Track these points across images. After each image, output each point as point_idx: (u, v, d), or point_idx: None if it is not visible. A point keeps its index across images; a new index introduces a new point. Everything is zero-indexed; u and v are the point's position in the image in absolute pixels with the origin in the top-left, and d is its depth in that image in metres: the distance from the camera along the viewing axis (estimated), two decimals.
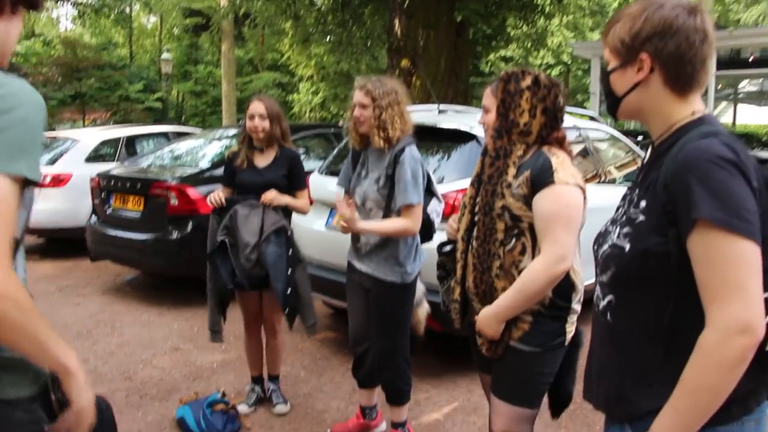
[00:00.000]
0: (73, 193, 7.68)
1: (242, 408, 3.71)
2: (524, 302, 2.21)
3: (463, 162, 4.32)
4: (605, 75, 1.53)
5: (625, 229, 1.44)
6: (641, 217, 1.41)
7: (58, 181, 7.70)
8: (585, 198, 2.25)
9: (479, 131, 4.29)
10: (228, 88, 21.13)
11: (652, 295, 1.40)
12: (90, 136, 8.56)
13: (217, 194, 3.52)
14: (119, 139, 8.66)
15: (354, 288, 3.29)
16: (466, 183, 4.09)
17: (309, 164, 6.69)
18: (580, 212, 2.22)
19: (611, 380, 1.52)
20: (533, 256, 2.24)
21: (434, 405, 3.87)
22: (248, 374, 3.94)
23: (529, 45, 17.55)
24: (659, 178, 1.38)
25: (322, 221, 4.71)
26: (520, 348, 2.29)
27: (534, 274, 2.18)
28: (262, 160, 3.61)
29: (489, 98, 2.43)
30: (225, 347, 4.82)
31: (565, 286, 2.25)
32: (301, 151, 7.25)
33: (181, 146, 7.26)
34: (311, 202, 4.83)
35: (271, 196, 3.48)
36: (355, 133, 3.14)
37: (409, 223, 2.98)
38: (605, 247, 1.50)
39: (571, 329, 2.33)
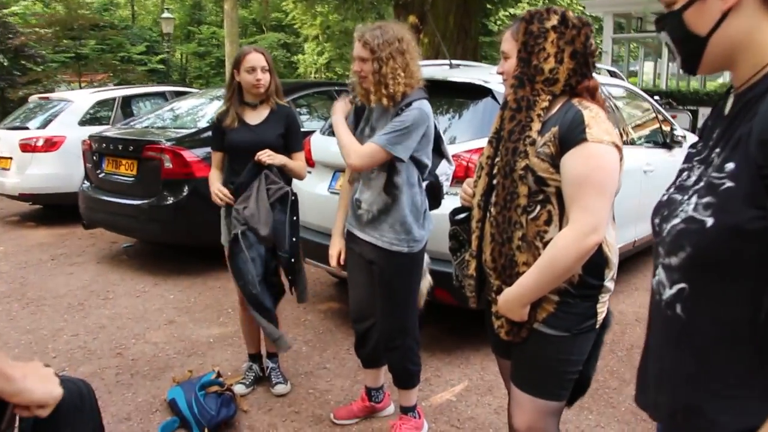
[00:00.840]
0: (66, 156, 7.35)
1: (239, 388, 3.43)
2: (551, 281, 1.88)
3: (477, 120, 3.96)
4: (674, 19, 1.17)
5: (706, 199, 1.09)
6: (728, 183, 1.06)
7: (50, 144, 7.37)
8: (622, 159, 1.90)
9: (495, 86, 3.92)
10: (231, 49, 20.51)
11: (742, 284, 1.06)
12: (84, 97, 8.18)
13: (220, 191, 3.22)
14: (114, 99, 8.27)
15: (355, 259, 2.95)
16: (480, 143, 3.77)
17: (312, 124, 6.38)
18: (615, 175, 1.87)
19: (680, 389, 1.19)
20: (560, 227, 1.90)
21: (445, 384, 3.58)
22: (246, 350, 3.65)
23: (539, 3, 16.98)
24: (752, 133, 1.04)
25: (324, 185, 4.37)
26: (544, 331, 1.97)
27: (562, 249, 1.84)
28: (255, 117, 3.27)
29: (509, 42, 2.05)
30: (223, 320, 4.54)
31: (597, 261, 1.91)
32: (303, 110, 6.89)
33: (179, 106, 6.90)
34: (312, 165, 4.50)
35: (267, 154, 3.15)
36: (360, 87, 2.77)
37: (354, 149, 2.66)
38: (675, 221, 1.15)
39: (602, 310, 2.00)
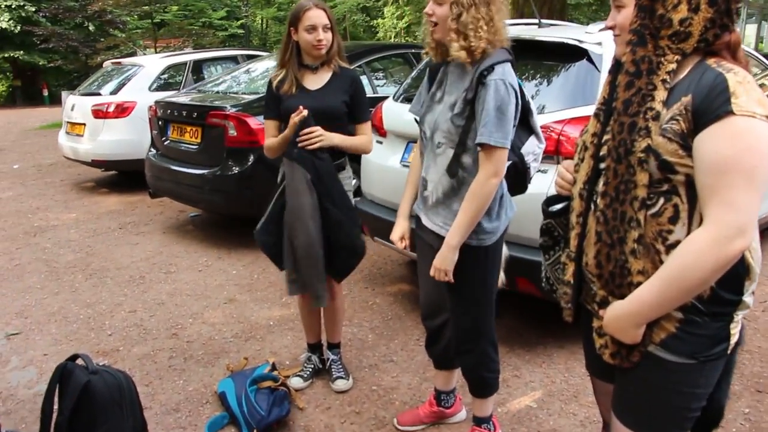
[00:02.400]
0: (137, 123, 7.23)
1: (296, 382, 3.13)
2: (679, 296, 1.44)
3: (570, 85, 3.45)
4: None
5: None
6: None
7: (121, 110, 7.26)
8: None
9: (591, 46, 3.40)
10: None
11: None
12: (155, 62, 8.03)
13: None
14: (185, 64, 8.09)
15: (424, 248, 2.54)
16: (574, 112, 3.26)
17: (386, 90, 5.96)
18: None
19: None
20: (690, 227, 1.44)
21: (525, 386, 3.16)
22: (305, 338, 3.34)
23: None
24: None
25: (397, 156, 3.97)
26: (662, 357, 1.52)
27: (696, 255, 1.38)
28: (315, 82, 2.89)
29: None
30: (285, 300, 4.25)
31: (736, 270, 1.44)
32: (379, 74, 6.49)
33: (250, 69, 6.60)
34: (384, 134, 4.11)
35: (315, 136, 2.74)
36: (430, 38, 2.32)
37: (491, 179, 2.18)
38: None
39: (736, 330, 1.54)
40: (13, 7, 21.37)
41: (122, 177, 8.23)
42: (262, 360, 3.35)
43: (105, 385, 2.53)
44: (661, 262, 1.46)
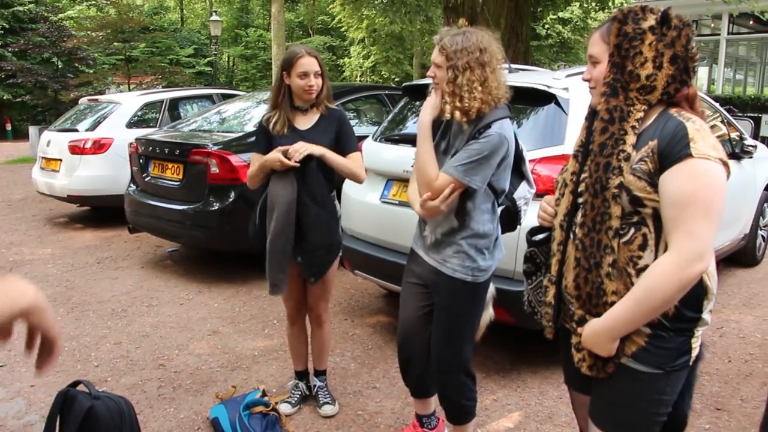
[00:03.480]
0: (114, 159, 7.34)
1: (284, 408, 3.26)
2: (647, 314, 1.66)
3: (540, 128, 3.72)
4: None
5: None
6: None
7: (98, 146, 7.37)
8: (728, 176, 1.66)
9: (559, 91, 3.68)
10: (278, 52, 20.58)
11: None
12: (132, 99, 8.17)
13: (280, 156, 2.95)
14: (162, 102, 8.25)
15: (411, 280, 2.73)
16: (544, 152, 3.53)
17: (362, 129, 6.18)
18: (723, 195, 1.63)
19: None
20: (656, 253, 1.68)
21: (502, 409, 3.35)
22: (293, 366, 3.48)
23: (592, 3, 16.53)
24: None
25: (376, 194, 4.18)
26: (633, 367, 1.74)
27: (661, 277, 1.61)
28: (305, 122, 3.09)
29: (598, 45, 1.81)
30: (268, 332, 4.39)
31: (695, 292, 1.68)
32: (352, 115, 6.72)
33: (226, 109, 6.79)
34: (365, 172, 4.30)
35: (297, 147, 2.90)
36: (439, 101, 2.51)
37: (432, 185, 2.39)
38: None
39: (696, 345, 1.77)
40: None
41: (96, 212, 8.28)
42: (250, 388, 3.47)
43: (107, 410, 2.64)
44: (632, 284, 1.69)
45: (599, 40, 1.79)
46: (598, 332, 1.73)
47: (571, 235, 1.81)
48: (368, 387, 3.60)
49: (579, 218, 1.77)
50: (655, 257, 1.68)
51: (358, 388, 3.59)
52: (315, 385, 3.40)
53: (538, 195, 2.80)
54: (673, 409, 1.84)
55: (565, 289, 1.85)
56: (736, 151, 5.22)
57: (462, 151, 2.39)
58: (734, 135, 5.37)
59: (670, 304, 1.65)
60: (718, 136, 5.32)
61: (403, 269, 2.81)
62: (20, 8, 22.06)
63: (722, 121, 5.41)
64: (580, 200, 1.78)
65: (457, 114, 2.37)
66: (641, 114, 1.69)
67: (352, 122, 6.44)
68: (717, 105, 5.62)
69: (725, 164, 1.62)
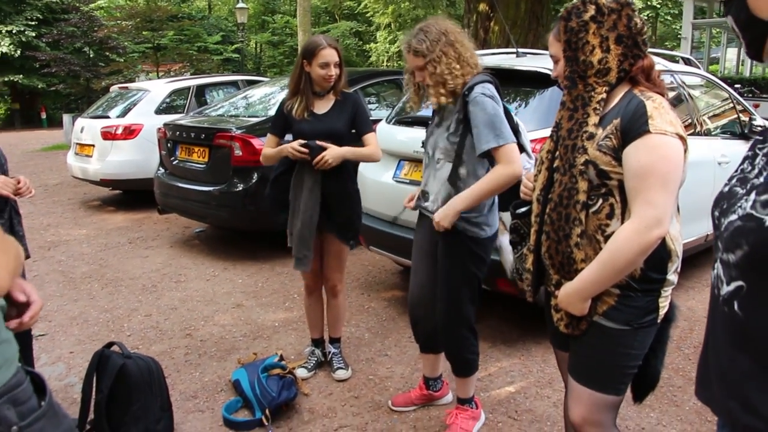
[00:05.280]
0: (144, 144, 7.66)
1: (301, 372, 3.51)
2: (613, 275, 1.85)
3: (543, 109, 3.89)
4: (739, 2, 1.11)
5: (765, 197, 1.05)
6: None
7: (129, 132, 7.69)
8: (686, 150, 1.84)
9: None
10: (304, 38, 20.78)
11: None
12: (160, 86, 8.49)
13: (294, 148, 3.19)
14: (189, 88, 8.54)
15: (421, 244, 2.98)
16: (546, 133, 3.70)
17: (380, 113, 6.40)
18: (679, 167, 1.81)
19: (736, 386, 1.15)
20: (623, 221, 1.87)
21: (505, 375, 3.56)
22: (309, 335, 3.73)
23: None
24: None
25: (389, 173, 4.39)
26: (604, 324, 1.94)
27: (623, 242, 1.80)
28: (322, 107, 3.31)
29: (554, 45, 2.02)
30: (288, 305, 4.65)
31: (659, 254, 1.86)
32: (372, 99, 6.92)
33: (251, 95, 7.05)
34: None
35: (330, 156, 3.15)
36: (415, 95, 2.82)
37: (507, 168, 2.55)
38: (732, 217, 1.11)
39: (664, 304, 1.95)
40: (13, 32, 21.87)
41: (128, 196, 8.63)
42: (270, 355, 3.72)
43: (137, 368, 2.92)
44: (601, 249, 1.88)
45: (554, 41, 2.00)
46: (570, 294, 1.92)
47: (547, 209, 2.01)
48: (380, 354, 3.84)
49: (551, 195, 1.97)
50: (622, 225, 1.87)
51: (370, 355, 3.83)
52: (330, 352, 3.64)
53: None
54: (647, 367, 2.03)
55: (543, 257, 2.05)
56: (745, 132, 5.32)
57: (475, 127, 2.58)
58: (744, 118, 5.46)
59: (633, 266, 1.84)
60: (726, 118, 5.43)
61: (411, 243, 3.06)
62: None
63: (733, 104, 5.50)
64: (555, 177, 1.97)
65: (443, 99, 2.63)
66: (603, 95, 1.87)
67: (372, 106, 6.71)
68: (728, 87, 5.70)
69: (682, 138, 1.80)
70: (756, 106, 6.66)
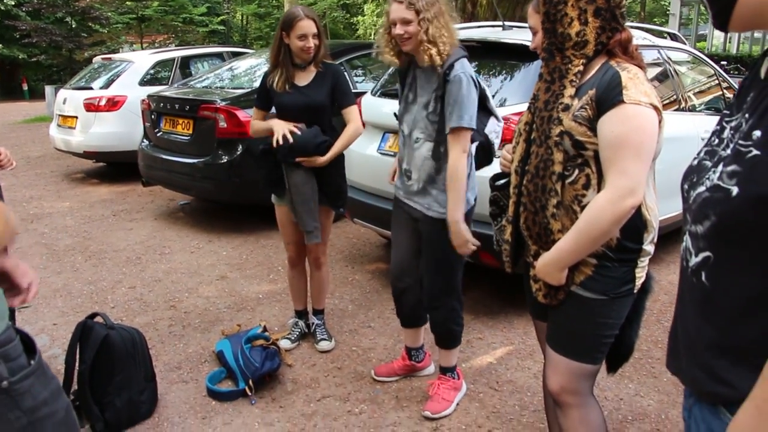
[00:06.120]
0: (127, 116, 7.57)
1: (284, 343, 3.53)
2: (588, 245, 1.87)
3: (528, 82, 3.87)
4: None
5: (732, 167, 1.06)
6: (755, 152, 1.03)
7: (112, 104, 7.59)
8: (661, 121, 1.85)
9: None
10: None
11: (767, 254, 1.04)
12: (144, 57, 8.37)
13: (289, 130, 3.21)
14: (173, 60, 8.43)
15: (400, 218, 2.99)
16: None
17: (366, 85, 6.35)
18: (653, 137, 1.82)
19: (703, 355, 1.18)
20: (599, 191, 1.88)
21: (487, 347, 3.60)
22: (293, 307, 3.74)
23: None
24: None
25: (374, 145, 4.39)
26: (581, 294, 1.96)
27: (598, 212, 1.82)
28: (303, 79, 3.29)
29: (532, 17, 2.03)
30: (273, 277, 4.66)
31: (635, 224, 1.89)
32: (358, 71, 6.87)
33: (235, 66, 6.98)
34: (363, 126, 4.50)
35: (321, 161, 3.21)
36: (393, 52, 2.76)
37: (457, 152, 2.63)
38: (701, 188, 1.13)
39: (641, 274, 1.98)
40: None
41: (111, 168, 8.55)
42: (253, 326, 3.74)
43: (121, 339, 2.92)
44: (578, 220, 1.90)
45: (533, 12, 2.01)
46: (548, 263, 1.94)
47: (524, 180, 2.02)
48: (363, 326, 3.87)
49: (526, 166, 1.98)
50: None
51: (354, 327, 3.86)
52: (313, 323, 3.66)
53: None
54: (622, 337, 2.07)
55: (521, 228, 2.06)
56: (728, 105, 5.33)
57: (446, 106, 2.62)
58: (729, 94, 5.48)
59: (608, 235, 1.85)
60: (711, 94, 5.45)
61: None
62: None
63: (718, 80, 5.52)
64: (531, 149, 1.98)
65: (438, 59, 2.61)
66: (580, 68, 1.87)
67: (357, 79, 6.66)
68: (713, 64, 5.72)
69: (657, 109, 1.81)
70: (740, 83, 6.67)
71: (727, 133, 1.16)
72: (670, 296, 4.26)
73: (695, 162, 1.22)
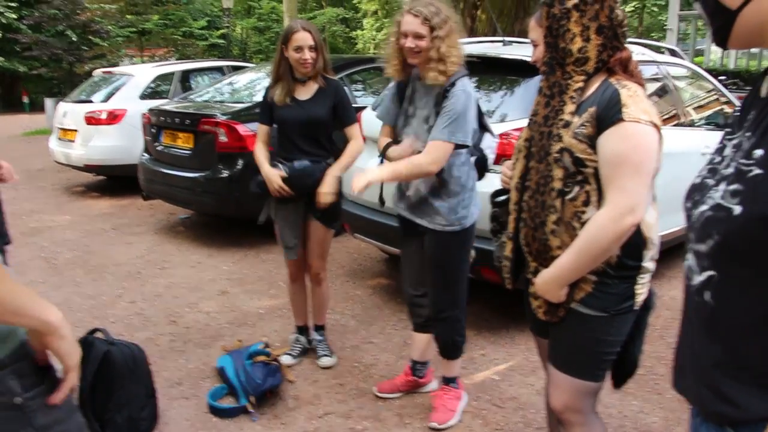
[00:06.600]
0: (128, 129, 7.57)
1: (286, 359, 3.51)
2: (589, 262, 1.86)
3: (529, 98, 3.83)
4: None
5: (734, 186, 1.06)
6: (756, 171, 1.03)
7: (113, 117, 7.61)
8: (660, 138, 1.85)
9: None
10: None
11: None
12: (145, 71, 8.40)
13: (282, 188, 3.23)
14: (174, 74, 8.46)
15: (407, 233, 3.02)
16: None
17: (366, 100, 6.37)
18: (652, 155, 1.82)
19: (709, 374, 1.17)
20: (599, 208, 1.88)
21: (489, 362, 3.59)
22: (294, 322, 3.73)
23: None
24: None
25: (375, 160, 4.33)
26: (582, 311, 1.95)
27: (598, 229, 1.82)
28: (304, 93, 3.30)
29: (535, 30, 2.04)
30: (273, 292, 4.65)
31: (635, 242, 1.88)
32: (358, 86, 6.89)
33: (235, 80, 7.01)
34: (364, 140, 4.51)
35: (325, 201, 3.23)
36: (399, 63, 2.76)
37: (424, 159, 2.64)
38: (704, 207, 1.12)
39: (642, 291, 1.97)
40: None
41: (112, 181, 8.55)
42: (255, 342, 3.72)
43: (121, 355, 2.91)
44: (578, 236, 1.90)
45: (535, 26, 2.01)
46: (548, 281, 1.94)
47: (523, 197, 2.02)
48: (365, 342, 3.85)
49: (526, 182, 1.98)
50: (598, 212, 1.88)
51: (355, 342, 3.84)
52: (314, 339, 3.65)
53: None
54: (625, 353, 2.06)
55: (521, 244, 2.06)
56: (729, 123, 5.35)
57: (440, 116, 2.63)
58: (728, 110, 5.50)
59: (608, 253, 1.85)
60: (711, 109, 5.47)
61: (397, 230, 3.10)
62: None
63: (717, 95, 5.54)
64: (530, 165, 1.98)
65: (441, 78, 2.63)
66: (580, 84, 1.87)
67: (358, 93, 6.67)
68: (712, 79, 5.74)
69: (656, 127, 1.81)
70: (740, 98, 6.69)
71: (728, 151, 1.16)
72: (673, 312, 4.25)
73: (698, 180, 1.22)
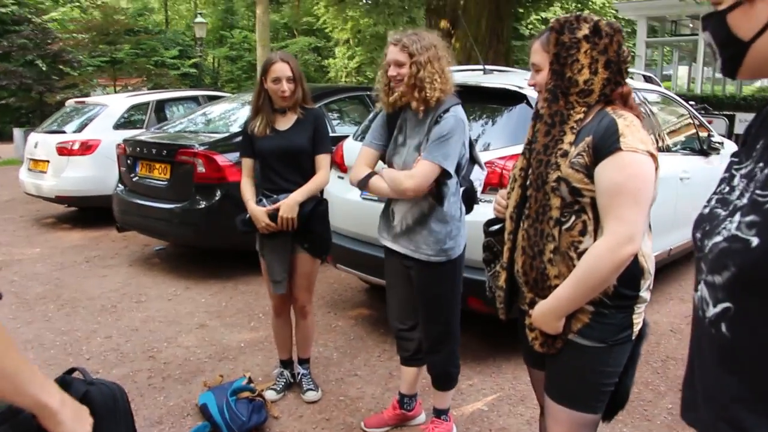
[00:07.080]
0: (101, 160, 7.46)
1: (270, 394, 3.42)
2: (587, 293, 1.84)
3: (511, 126, 3.90)
4: (718, 20, 1.10)
5: (750, 218, 1.04)
6: None
7: (86, 147, 7.49)
8: (657, 168, 1.85)
9: (529, 91, 3.87)
10: (263, 53, 20.63)
11: None
12: (119, 101, 8.30)
13: (269, 226, 3.18)
14: (148, 104, 8.38)
15: (392, 265, 2.96)
16: (514, 150, 3.72)
17: (344, 129, 6.37)
18: (650, 185, 1.82)
19: (725, 408, 1.14)
20: (595, 237, 1.86)
21: (477, 393, 3.54)
22: (278, 355, 3.65)
23: (572, 6, 16.85)
24: None
25: (356, 191, 4.34)
26: (579, 342, 1.92)
27: (596, 260, 1.80)
28: (284, 123, 3.27)
29: (539, 54, 2.01)
30: (254, 325, 4.55)
31: (632, 271, 1.87)
32: (335, 115, 6.89)
33: (211, 111, 6.95)
34: (345, 171, 4.48)
35: (286, 214, 3.15)
36: (384, 94, 2.76)
37: (403, 173, 2.64)
38: (718, 238, 1.10)
39: (638, 321, 1.95)
40: None
41: (83, 213, 8.39)
42: (237, 377, 3.63)
43: (101, 395, 2.77)
44: (574, 267, 1.87)
45: (540, 49, 1.99)
46: (545, 312, 1.91)
47: (520, 226, 2.00)
48: (350, 374, 3.78)
49: (526, 210, 1.96)
50: (594, 241, 1.86)
51: (340, 375, 3.77)
52: (299, 373, 3.57)
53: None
54: (618, 384, 2.03)
55: (516, 274, 2.03)
56: (704, 148, 5.45)
57: (431, 139, 2.62)
58: (703, 134, 5.60)
59: (606, 283, 1.83)
60: (686, 134, 5.55)
61: (382, 262, 3.04)
62: (3, 10, 21.95)
63: (692, 120, 5.64)
64: (528, 193, 1.96)
65: (414, 104, 2.64)
66: (581, 115, 1.87)
67: (336, 122, 6.67)
68: (686, 104, 5.84)
69: (653, 156, 1.81)
70: (710, 122, 6.85)
71: (737, 181, 1.14)
72: (656, 336, 4.26)
73: (706, 210, 1.20)
